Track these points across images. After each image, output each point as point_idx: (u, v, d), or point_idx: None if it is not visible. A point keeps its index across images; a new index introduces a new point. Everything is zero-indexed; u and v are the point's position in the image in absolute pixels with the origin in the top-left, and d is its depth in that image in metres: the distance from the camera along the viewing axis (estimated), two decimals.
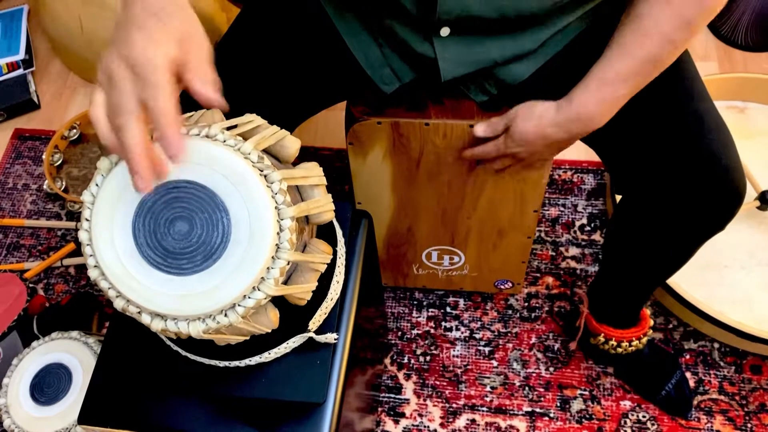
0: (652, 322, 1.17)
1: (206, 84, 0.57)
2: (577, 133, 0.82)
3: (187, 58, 0.56)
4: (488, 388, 1.28)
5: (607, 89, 0.77)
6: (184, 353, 0.75)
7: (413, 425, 1.26)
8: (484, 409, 1.27)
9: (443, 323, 1.36)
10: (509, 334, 1.34)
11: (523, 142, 0.85)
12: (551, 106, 0.81)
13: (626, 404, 1.25)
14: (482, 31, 0.80)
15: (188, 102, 0.60)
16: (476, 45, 0.82)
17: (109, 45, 0.55)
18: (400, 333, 1.35)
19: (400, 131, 0.94)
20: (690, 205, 0.84)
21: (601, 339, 1.17)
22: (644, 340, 1.17)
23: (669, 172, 0.82)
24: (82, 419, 0.77)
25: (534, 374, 1.29)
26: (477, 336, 1.34)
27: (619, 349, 1.17)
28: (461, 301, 1.38)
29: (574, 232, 1.44)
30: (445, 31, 0.79)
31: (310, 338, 0.74)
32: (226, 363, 0.74)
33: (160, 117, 0.53)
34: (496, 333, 1.34)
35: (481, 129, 0.89)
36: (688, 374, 1.27)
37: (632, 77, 0.76)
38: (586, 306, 1.18)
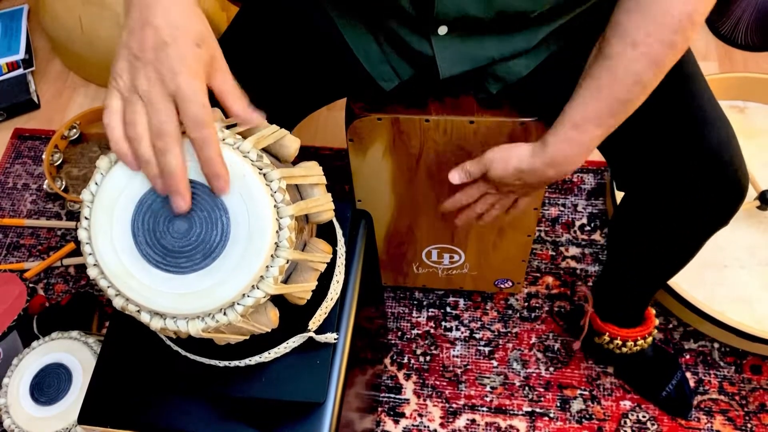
0: (657, 322, 1.17)
1: (247, 109, 0.59)
2: (553, 177, 0.81)
3: (219, 83, 0.58)
4: (488, 388, 1.28)
5: (578, 132, 0.76)
6: (183, 353, 0.75)
7: (413, 425, 1.26)
8: (484, 409, 1.26)
9: (443, 323, 1.36)
10: (509, 334, 1.34)
11: (502, 185, 0.85)
12: (526, 150, 0.81)
13: (626, 404, 1.25)
14: (480, 30, 0.80)
15: None
16: (474, 43, 0.82)
17: (139, 61, 0.55)
18: (400, 333, 1.35)
19: (400, 128, 0.94)
20: (693, 200, 0.84)
21: (606, 338, 1.17)
22: (649, 339, 1.16)
23: (671, 167, 0.82)
24: (82, 419, 0.77)
25: (534, 374, 1.29)
26: (477, 336, 1.34)
27: (624, 349, 1.17)
28: (461, 301, 1.38)
29: (574, 231, 1.44)
30: (442, 30, 0.80)
31: (310, 338, 0.74)
32: (226, 363, 0.74)
33: (211, 157, 0.56)
34: (496, 333, 1.34)
35: (456, 176, 0.86)
36: (688, 374, 1.26)
37: (603, 119, 0.75)
38: (590, 305, 1.18)
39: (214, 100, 0.59)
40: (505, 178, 0.83)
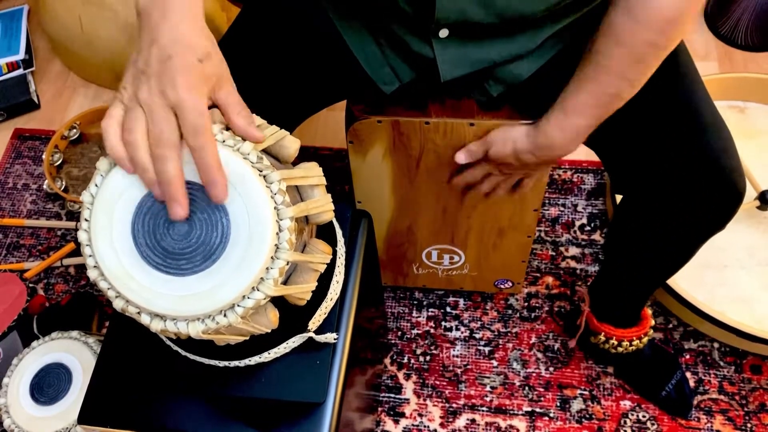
0: (653, 322, 1.17)
1: (251, 125, 0.60)
2: (547, 159, 0.86)
3: (223, 97, 0.59)
4: (488, 388, 1.28)
5: (567, 120, 0.81)
6: (183, 353, 0.75)
7: (413, 425, 1.26)
8: (484, 409, 1.27)
9: (443, 323, 1.36)
10: (509, 334, 1.34)
11: (503, 165, 0.90)
12: (523, 132, 0.86)
13: (626, 404, 1.25)
14: (481, 33, 0.80)
15: None
16: (475, 46, 0.82)
17: (144, 74, 0.57)
18: (400, 333, 1.35)
19: (400, 130, 0.94)
20: (690, 204, 0.84)
21: (602, 338, 1.17)
22: (645, 339, 1.17)
23: (669, 171, 0.83)
24: (82, 419, 0.77)
25: (534, 374, 1.29)
26: (477, 336, 1.34)
27: (620, 349, 1.17)
28: (461, 301, 1.38)
29: (574, 231, 1.44)
30: (443, 33, 0.80)
31: (310, 338, 0.74)
32: (226, 363, 0.74)
33: (209, 165, 0.56)
34: (496, 333, 1.34)
35: (461, 156, 0.92)
36: (688, 374, 1.27)
37: (590, 110, 0.79)
38: (587, 305, 1.18)
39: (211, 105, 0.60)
40: (505, 157, 0.88)
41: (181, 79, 0.56)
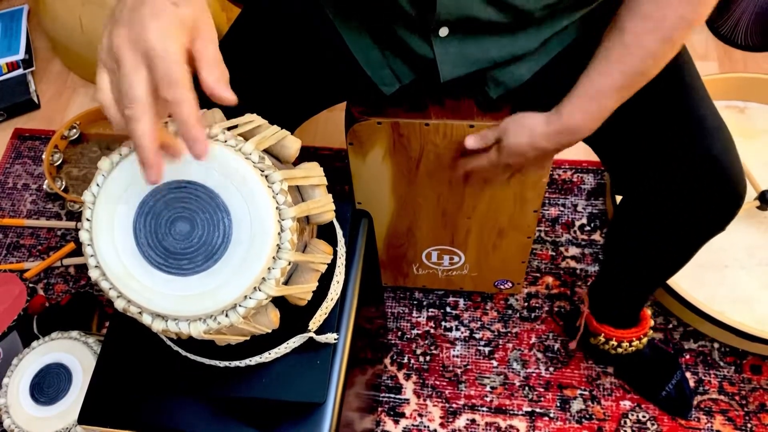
0: (652, 323, 1.17)
1: (219, 82, 0.54)
2: (567, 143, 0.84)
3: (199, 48, 0.54)
4: (488, 388, 1.28)
5: (592, 103, 0.79)
6: (184, 353, 0.75)
7: (413, 425, 1.26)
8: (484, 409, 1.27)
9: (443, 323, 1.36)
10: (509, 334, 1.34)
11: (516, 154, 0.86)
12: (541, 118, 0.83)
13: (626, 404, 1.25)
14: (481, 31, 0.80)
15: None
16: (475, 45, 0.82)
17: (116, 24, 0.53)
18: (400, 333, 1.35)
19: (400, 131, 0.94)
20: (690, 206, 0.84)
21: (602, 339, 1.17)
22: (644, 340, 1.17)
23: (669, 173, 0.83)
24: (82, 419, 0.77)
25: (534, 374, 1.29)
26: (477, 336, 1.34)
27: (620, 350, 1.17)
28: (461, 301, 1.38)
29: (574, 231, 1.44)
30: (443, 32, 0.80)
31: (310, 338, 0.74)
32: (227, 363, 0.74)
33: (187, 119, 0.52)
34: (496, 333, 1.34)
35: (471, 141, 0.90)
36: (688, 374, 1.27)
37: (616, 91, 0.78)
38: (586, 306, 1.18)
39: (212, 103, 0.57)
40: (519, 146, 0.85)
41: (152, 24, 0.51)
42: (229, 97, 0.54)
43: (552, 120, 0.82)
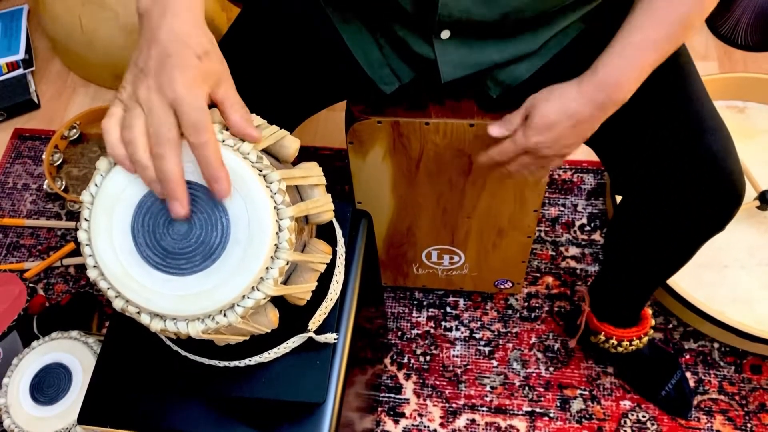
0: (653, 322, 1.17)
1: (247, 122, 0.60)
2: (603, 104, 0.76)
3: (222, 95, 0.59)
4: (488, 388, 1.28)
5: (635, 54, 0.74)
6: (183, 353, 0.75)
7: (413, 425, 1.26)
8: (484, 409, 1.27)
9: (443, 323, 1.36)
10: (509, 334, 1.34)
11: (546, 127, 0.78)
12: (572, 82, 0.77)
13: (626, 404, 1.25)
14: (482, 34, 0.80)
15: None
16: (476, 47, 0.82)
17: (143, 74, 0.57)
18: (400, 333, 1.35)
19: (400, 130, 0.94)
20: (689, 206, 0.84)
21: (602, 338, 1.17)
22: (645, 339, 1.17)
23: (668, 173, 0.82)
24: (82, 419, 0.77)
25: (534, 374, 1.29)
26: (477, 336, 1.34)
27: (620, 348, 1.17)
28: (461, 301, 1.38)
29: (574, 231, 1.44)
30: (445, 34, 0.80)
31: (310, 338, 0.74)
32: (226, 363, 0.74)
33: (211, 161, 0.56)
34: (496, 333, 1.34)
35: (495, 129, 0.83)
36: (688, 374, 1.27)
37: (662, 42, 0.74)
38: (587, 304, 1.18)
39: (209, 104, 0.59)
40: (549, 116, 0.77)
41: (179, 77, 0.55)
42: (257, 135, 0.60)
43: (586, 78, 0.76)
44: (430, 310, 1.37)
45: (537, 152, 0.82)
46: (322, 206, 0.65)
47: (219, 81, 0.59)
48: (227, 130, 0.61)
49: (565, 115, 0.77)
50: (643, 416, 1.24)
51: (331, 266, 0.76)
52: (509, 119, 0.82)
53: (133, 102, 0.57)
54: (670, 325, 1.32)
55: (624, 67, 0.74)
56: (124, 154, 0.58)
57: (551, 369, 1.30)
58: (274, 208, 0.59)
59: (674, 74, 0.83)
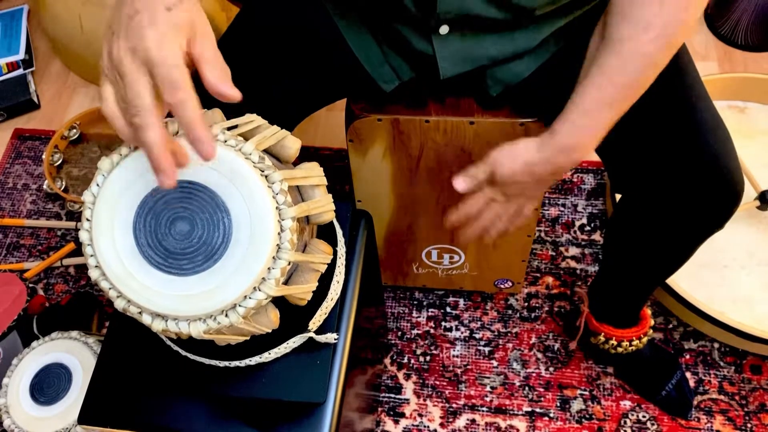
0: (652, 322, 1.17)
1: (222, 79, 0.55)
2: (564, 165, 0.77)
3: (197, 49, 0.55)
4: (488, 388, 1.28)
5: (589, 118, 0.74)
6: (184, 353, 0.75)
7: (413, 425, 1.26)
8: (484, 409, 1.27)
9: (443, 323, 1.36)
10: (509, 334, 1.34)
11: (511, 183, 0.79)
12: (532, 143, 0.77)
13: (626, 404, 1.25)
14: (481, 29, 0.80)
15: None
16: (475, 43, 0.82)
17: (115, 36, 0.54)
18: (400, 333, 1.35)
19: (400, 128, 0.94)
20: (688, 204, 0.84)
21: (601, 338, 1.17)
22: (644, 340, 1.17)
23: (667, 171, 0.83)
24: (82, 419, 0.77)
25: (534, 374, 1.29)
26: (477, 336, 1.34)
27: (620, 349, 1.17)
28: (461, 301, 1.38)
29: (574, 231, 1.44)
30: (444, 29, 0.80)
31: (310, 338, 0.74)
32: (226, 363, 0.74)
33: (191, 121, 0.53)
34: (496, 333, 1.34)
35: (460, 183, 0.81)
36: (688, 374, 1.27)
37: (615, 103, 0.73)
38: (586, 305, 1.18)
39: (214, 101, 0.57)
40: (515, 174, 0.78)
41: (150, 33, 0.52)
42: (233, 93, 0.55)
43: (545, 141, 0.76)
44: (430, 310, 1.37)
45: (505, 197, 0.82)
46: (323, 206, 0.66)
47: (194, 32, 0.54)
48: (229, 130, 0.61)
49: (527, 175, 0.78)
50: (643, 416, 1.24)
51: (331, 266, 0.76)
52: (473, 174, 0.81)
53: (112, 71, 0.54)
54: (670, 325, 1.32)
55: (580, 131, 0.74)
56: (125, 131, 0.55)
57: (551, 369, 1.30)
58: (276, 208, 0.59)
59: (674, 73, 0.83)
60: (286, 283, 0.66)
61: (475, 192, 0.83)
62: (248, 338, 0.68)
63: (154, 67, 0.52)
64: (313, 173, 0.65)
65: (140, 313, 0.61)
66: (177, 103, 0.52)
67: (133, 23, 0.52)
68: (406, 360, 1.32)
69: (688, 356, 1.29)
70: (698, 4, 0.70)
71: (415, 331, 1.35)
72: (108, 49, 0.54)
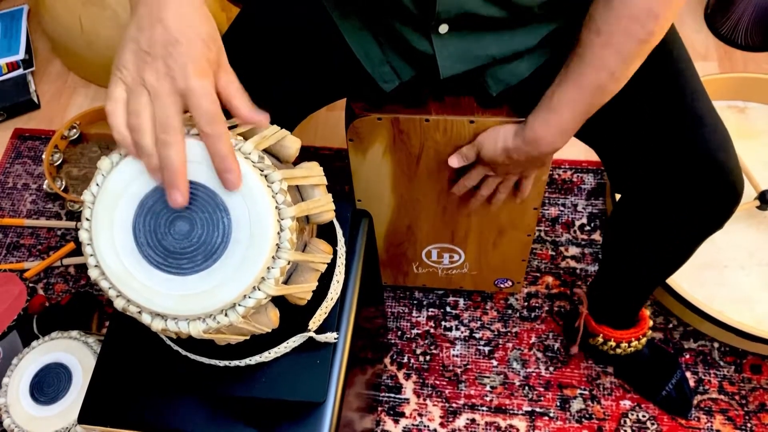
0: (651, 323, 1.17)
1: (252, 109, 0.59)
2: (534, 157, 0.86)
3: (224, 84, 0.58)
4: (488, 388, 1.28)
5: (552, 114, 0.81)
6: (184, 353, 0.75)
7: (413, 425, 1.26)
8: (484, 408, 1.27)
9: (443, 323, 1.36)
10: (509, 334, 1.34)
11: (494, 163, 0.90)
12: (511, 130, 0.86)
13: (626, 404, 1.25)
14: (480, 28, 0.81)
15: None
16: (474, 42, 0.82)
17: (151, 58, 0.56)
18: (400, 333, 1.35)
19: (400, 127, 0.94)
20: (688, 204, 0.84)
21: (600, 339, 1.17)
22: (643, 341, 1.17)
23: (667, 170, 0.83)
24: (82, 419, 0.77)
25: (534, 374, 1.29)
26: (477, 335, 1.34)
27: (618, 350, 1.17)
28: (461, 301, 1.38)
29: (574, 231, 1.44)
30: (443, 28, 0.80)
31: (310, 338, 0.74)
32: (226, 362, 0.74)
33: (227, 153, 0.56)
34: (496, 332, 1.34)
35: (454, 160, 0.93)
36: (688, 374, 1.27)
37: (574, 104, 0.79)
38: (585, 307, 1.18)
39: None
40: (496, 157, 0.88)
41: (191, 66, 0.55)
42: (263, 118, 0.60)
43: (518, 131, 0.85)
44: (430, 309, 1.37)
45: (499, 173, 0.94)
46: (323, 206, 0.65)
47: (220, 68, 0.58)
48: (229, 129, 0.61)
49: (506, 158, 0.88)
50: (643, 416, 1.24)
51: (331, 266, 0.76)
52: (464, 153, 0.92)
53: (138, 86, 0.56)
54: (670, 325, 1.32)
55: (544, 126, 0.82)
56: (130, 139, 0.57)
57: (551, 369, 1.30)
58: (276, 208, 0.59)
59: (672, 71, 0.83)
60: (285, 282, 0.66)
61: (470, 168, 0.95)
62: (248, 338, 0.68)
63: (194, 98, 0.55)
64: (313, 173, 0.65)
65: (140, 312, 0.61)
66: (214, 135, 0.56)
67: (175, 53, 0.55)
68: (406, 359, 1.32)
69: (688, 356, 1.29)
70: (652, 22, 0.72)
71: (415, 331, 1.35)
72: (138, 66, 0.56)
